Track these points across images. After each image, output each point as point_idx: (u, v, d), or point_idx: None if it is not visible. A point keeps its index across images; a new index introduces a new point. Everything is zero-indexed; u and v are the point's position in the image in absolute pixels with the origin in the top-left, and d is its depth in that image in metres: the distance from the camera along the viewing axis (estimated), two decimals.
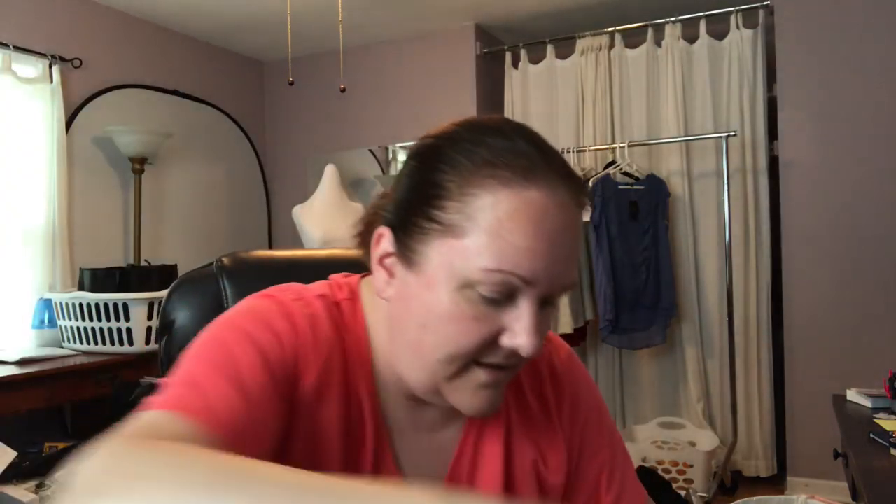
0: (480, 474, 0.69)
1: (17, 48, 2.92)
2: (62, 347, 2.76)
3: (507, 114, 3.78)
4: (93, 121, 3.29)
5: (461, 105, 3.80)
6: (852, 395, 1.92)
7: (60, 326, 2.76)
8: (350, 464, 0.63)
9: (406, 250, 0.61)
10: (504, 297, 0.57)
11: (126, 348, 2.63)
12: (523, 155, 0.57)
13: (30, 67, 3.03)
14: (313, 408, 0.61)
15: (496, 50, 3.85)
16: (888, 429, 1.59)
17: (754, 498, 0.86)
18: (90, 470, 0.42)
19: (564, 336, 3.02)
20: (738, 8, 3.28)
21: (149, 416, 0.52)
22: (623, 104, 3.52)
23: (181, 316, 0.84)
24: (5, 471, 2.11)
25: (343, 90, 2.92)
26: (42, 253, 2.99)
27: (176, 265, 2.99)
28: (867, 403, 1.83)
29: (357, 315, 0.67)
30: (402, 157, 4.10)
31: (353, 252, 0.96)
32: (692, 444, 3.05)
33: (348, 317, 0.67)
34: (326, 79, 4.03)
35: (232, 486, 0.39)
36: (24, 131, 2.96)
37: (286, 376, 0.59)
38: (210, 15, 3.59)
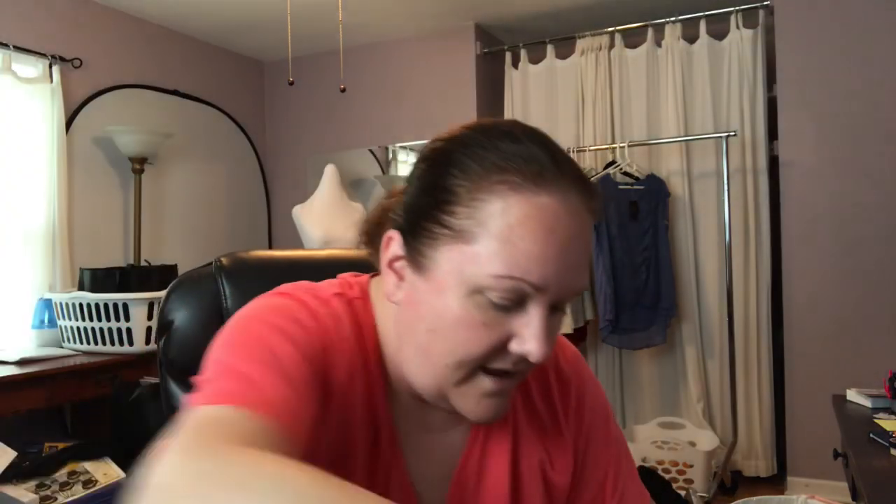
0: (488, 475, 0.69)
1: (17, 48, 2.92)
2: (62, 347, 2.76)
3: (507, 114, 3.78)
4: (93, 121, 3.29)
5: (461, 105, 3.80)
6: (852, 395, 1.92)
7: (60, 326, 2.76)
8: (368, 463, 0.63)
9: (416, 254, 0.60)
10: (514, 303, 0.57)
11: (126, 348, 2.63)
12: (534, 160, 0.57)
13: (30, 67, 3.03)
14: (340, 403, 0.61)
15: (496, 50, 3.85)
16: (888, 429, 1.59)
17: (754, 498, 0.86)
18: (179, 474, 0.42)
19: (564, 336, 3.01)
20: (738, 8, 3.28)
21: (210, 411, 0.50)
22: (623, 104, 3.52)
23: (180, 316, 0.84)
24: (5, 471, 2.10)
25: (343, 90, 2.92)
26: (42, 253, 2.99)
27: (176, 265, 2.99)
28: (867, 403, 1.83)
29: (369, 315, 0.67)
30: (402, 157, 4.10)
31: (352, 252, 0.96)
32: (692, 444, 3.05)
33: (362, 316, 0.67)
34: (326, 79, 4.03)
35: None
36: (24, 131, 2.96)
37: (319, 370, 0.59)
38: (210, 15, 3.59)
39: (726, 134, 3.07)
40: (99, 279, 2.72)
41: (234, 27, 3.77)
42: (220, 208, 4.05)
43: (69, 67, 3.17)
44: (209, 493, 0.40)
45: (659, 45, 3.45)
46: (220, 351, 0.58)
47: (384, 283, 0.64)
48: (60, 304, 2.71)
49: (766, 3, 3.22)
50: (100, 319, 2.62)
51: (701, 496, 2.72)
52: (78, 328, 2.67)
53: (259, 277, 0.86)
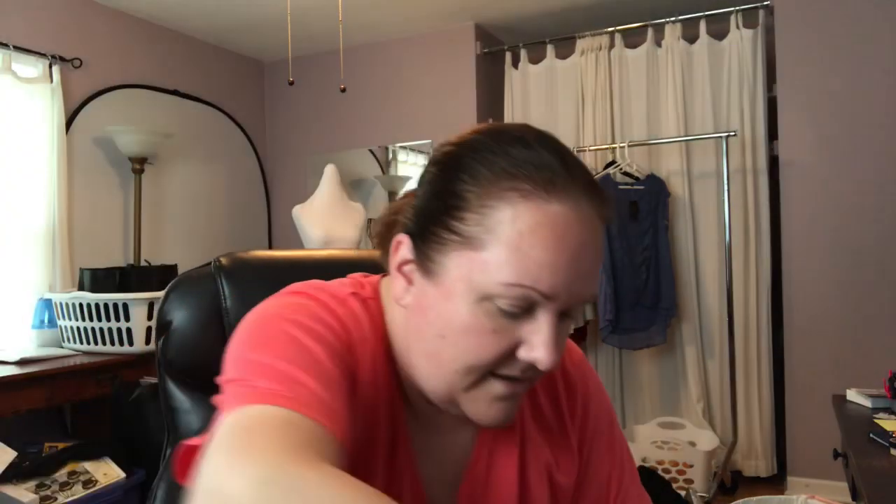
0: (496, 477, 0.69)
1: (17, 48, 2.92)
2: (62, 347, 2.76)
3: (507, 114, 3.78)
4: (93, 121, 3.29)
5: (461, 105, 3.80)
6: (852, 395, 1.92)
7: (60, 326, 2.76)
8: (388, 465, 0.63)
9: (425, 259, 0.60)
10: (523, 310, 0.56)
11: (126, 348, 2.63)
12: (546, 167, 0.56)
13: (30, 67, 3.03)
14: (364, 405, 0.61)
15: (496, 50, 3.85)
16: (888, 429, 1.59)
17: (754, 498, 0.86)
18: (239, 478, 0.41)
19: None
20: (738, 8, 3.28)
21: (255, 411, 0.49)
22: (623, 104, 3.52)
23: (178, 316, 0.83)
24: (5, 471, 2.10)
25: (343, 90, 2.92)
26: (42, 253, 2.99)
27: (176, 265, 2.99)
28: (867, 403, 1.83)
29: (381, 316, 0.67)
30: (402, 157, 4.10)
31: (352, 252, 0.96)
32: (692, 444, 3.05)
33: (376, 317, 0.66)
34: (326, 79, 4.03)
35: None
36: (24, 131, 2.96)
37: (346, 371, 0.58)
38: (210, 15, 3.59)
39: (726, 134, 3.07)
40: (99, 279, 2.72)
41: (234, 27, 3.77)
42: (220, 208, 4.04)
43: (69, 67, 3.17)
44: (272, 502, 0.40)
45: (659, 45, 3.45)
46: (246, 348, 0.56)
47: (393, 286, 0.64)
48: (60, 304, 2.71)
49: (766, 3, 3.22)
50: (100, 319, 2.62)
51: (701, 496, 2.72)
52: (78, 328, 2.67)
53: (259, 278, 0.86)
